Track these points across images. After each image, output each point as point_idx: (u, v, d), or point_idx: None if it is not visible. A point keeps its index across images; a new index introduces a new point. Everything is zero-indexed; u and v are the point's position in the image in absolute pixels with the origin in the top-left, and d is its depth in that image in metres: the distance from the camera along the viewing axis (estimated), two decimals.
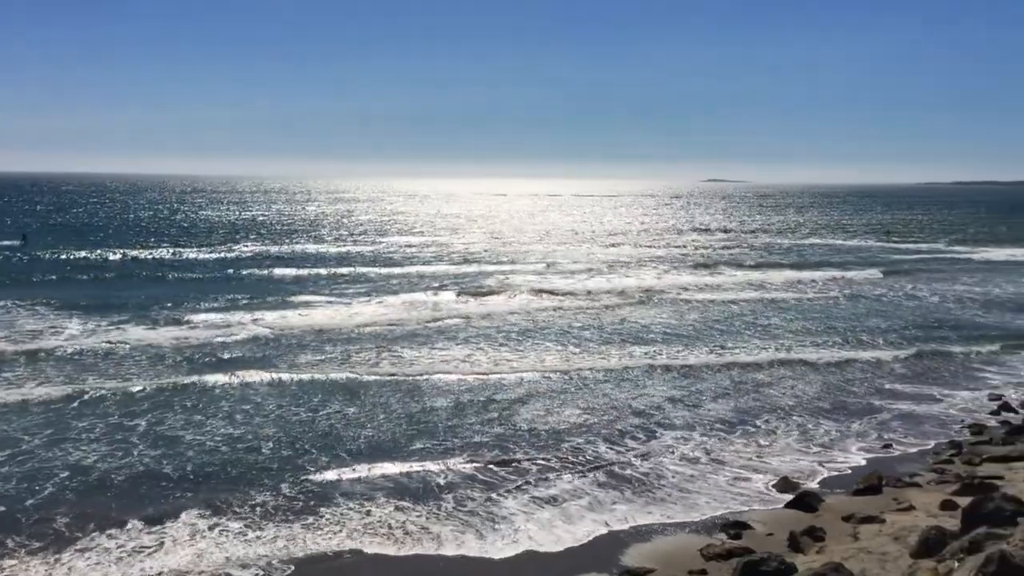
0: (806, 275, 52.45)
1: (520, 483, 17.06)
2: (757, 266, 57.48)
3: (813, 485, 17.22)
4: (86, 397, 22.22)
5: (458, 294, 41.67)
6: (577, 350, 29.58)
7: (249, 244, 68.96)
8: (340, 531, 14.77)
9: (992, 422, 21.87)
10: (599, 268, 54.18)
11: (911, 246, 77.58)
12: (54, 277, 46.13)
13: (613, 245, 73.38)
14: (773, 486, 17.10)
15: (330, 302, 38.94)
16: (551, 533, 14.82)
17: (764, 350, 29.95)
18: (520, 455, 18.77)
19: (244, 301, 38.53)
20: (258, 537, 14.47)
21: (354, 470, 17.60)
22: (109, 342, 28.82)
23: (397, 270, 51.93)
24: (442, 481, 17.13)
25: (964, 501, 14.43)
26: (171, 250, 62.47)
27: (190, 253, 60.73)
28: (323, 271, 50.72)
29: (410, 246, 69.99)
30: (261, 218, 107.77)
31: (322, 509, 15.63)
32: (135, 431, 19.80)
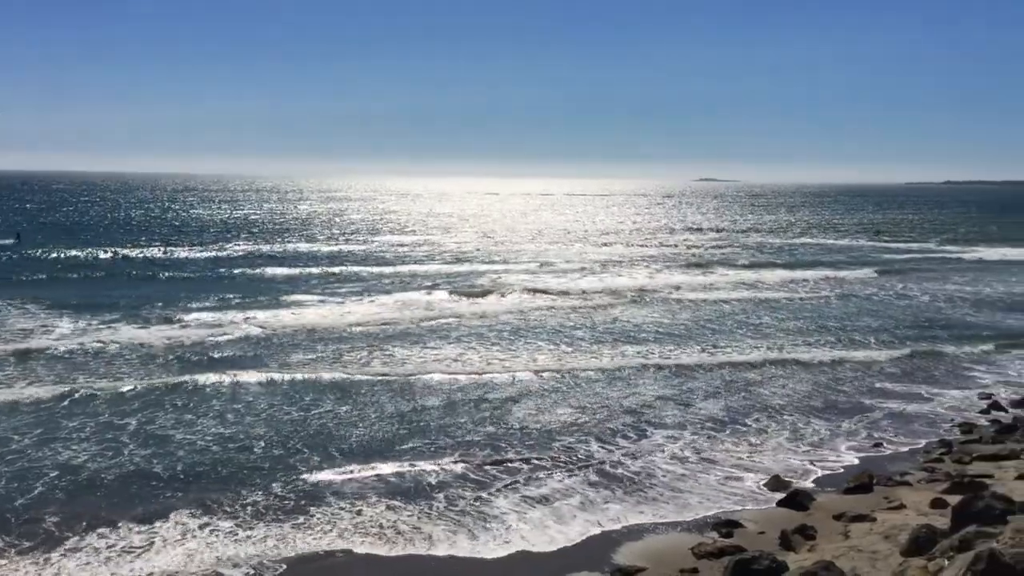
0: (798, 274, 52.59)
1: (512, 482, 17.05)
2: (749, 265, 57.58)
3: (804, 484, 17.25)
4: (76, 396, 22.13)
5: (450, 293, 41.64)
6: (569, 349, 29.59)
7: (241, 243, 68.76)
8: (331, 530, 14.74)
9: (982, 421, 21.96)
10: (591, 267, 54.21)
11: (902, 245, 77.85)
12: (45, 276, 45.91)
13: (605, 244, 73.45)
14: (764, 485, 17.14)
15: (322, 301, 38.87)
16: (543, 532, 14.82)
17: (756, 349, 30.01)
18: (512, 454, 18.76)
19: (236, 300, 38.43)
20: (249, 537, 14.43)
21: (346, 469, 17.56)
22: (100, 341, 28.70)
23: (389, 269, 51.86)
24: (434, 480, 17.11)
25: (954, 499, 14.47)
26: (162, 249, 62.24)
27: (181, 252, 60.54)
28: (315, 270, 50.62)
29: (402, 245, 69.92)
30: (253, 217, 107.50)
31: (313, 508, 15.60)
32: (125, 430, 19.72)
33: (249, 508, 15.58)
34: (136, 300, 37.30)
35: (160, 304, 36.38)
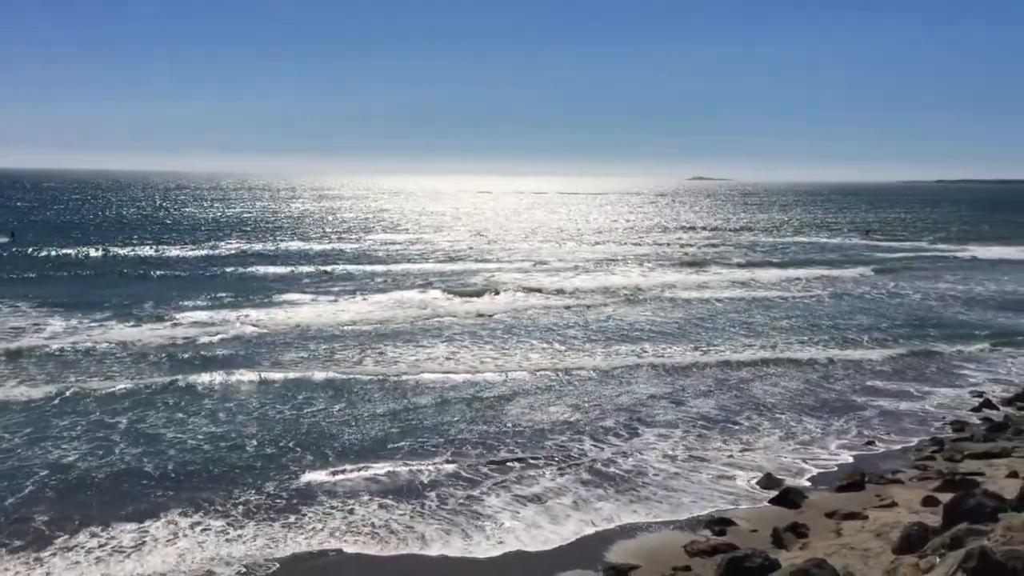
0: (791, 273, 52.68)
1: (505, 481, 17.03)
2: (742, 264, 57.67)
3: (797, 482, 17.26)
4: (67, 395, 22.03)
5: (443, 292, 41.59)
6: (562, 348, 29.58)
7: (233, 241, 68.59)
8: (323, 530, 14.70)
9: (974, 419, 22.02)
10: (585, 266, 54.23)
11: (895, 244, 78.08)
12: (36, 275, 45.71)
13: (599, 243, 73.46)
14: (757, 483, 17.15)
15: (315, 300, 38.80)
16: (535, 531, 14.79)
17: (748, 348, 30.04)
18: (505, 453, 18.74)
19: (228, 299, 38.32)
20: (240, 536, 14.38)
21: (338, 468, 17.52)
22: (91, 340, 28.59)
23: (382, 268, 51.80)
24: (426, 479, 17.07)
25: (946, 497, 14.51)
26: (154, 247, 62.03)
27: (173, 250, 60.35)
28: (308, 269, 50.53)
29: (395, 244, 69.83)
30: (246, 215, 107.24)
31: (306, 508, 15.55)
32: (117, 429, 19.64)
33: (241, 507, 15.53)
34: (128, 299, 37.17)
35: (152, 303, 36.26)
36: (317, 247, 65.41)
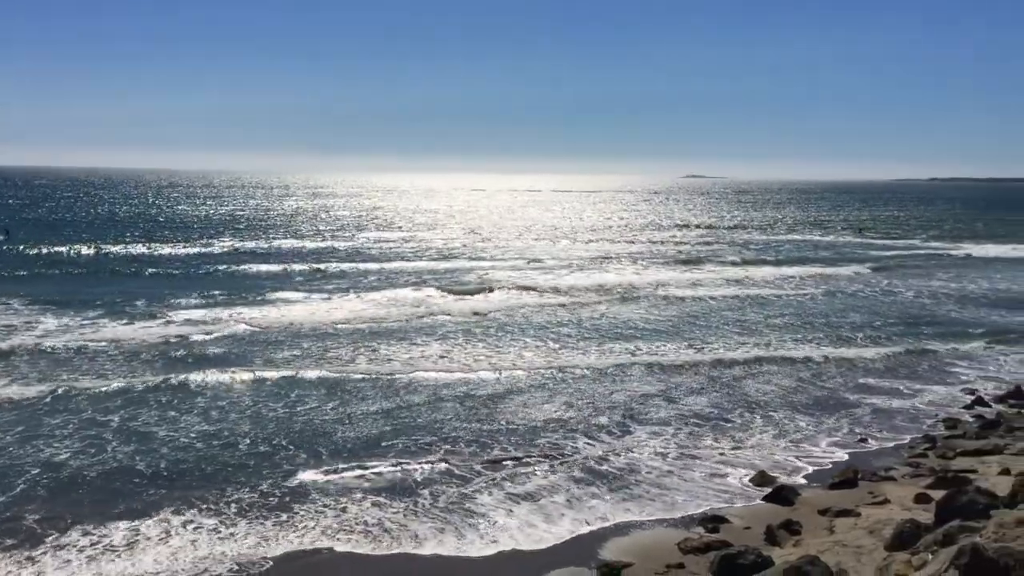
0: (784, 271, 52.77)
1: (498, 479, 17.01)
2: (736, 262, 57.73)
3: (790, 479, 17.30)
4: (59, 393, 21.95)
5: (437, 290, 41.55)
6: (556, 346, 29.57)
7: (226, 239, 68.43)
8: (316, 528, 14.66)
9: (966, 416, 22.08)
10: (579, 264, 54.25)
11: (888, 242, 78.25)
12: (28, 273, 45.52)
13: (593, 241, 73.47)
14: (750, 480, 17.17)
15: (308, 298, 38.73)
16: (529, 529, 14.78)
17: (742, 346, 30.08)
18: (498, 451, 18.73)
19: (221, 297, 38.23)
20: (233, 535, 14.34)
21: (331, 467, 17.48)
22: (84, 338, 28.48)
23: (375, 266, 51.72)
24: (419, 478, 17.05)
25: (938, 494, 14.55)
26: (147, 245, 61.83)
27: (166, 248, 60.16)
28: (301, 267, 50.43)
29: (389, 242, 69.74)
30: (239, 213, 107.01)
31: (298, 506, 15.52)
32: (109, 427, 19.57)
33: (233, 506, 15.48)
34: (120, 296, 37.06)
35: (144, 301, 36.16)
36: (310, 245, 65.30)
